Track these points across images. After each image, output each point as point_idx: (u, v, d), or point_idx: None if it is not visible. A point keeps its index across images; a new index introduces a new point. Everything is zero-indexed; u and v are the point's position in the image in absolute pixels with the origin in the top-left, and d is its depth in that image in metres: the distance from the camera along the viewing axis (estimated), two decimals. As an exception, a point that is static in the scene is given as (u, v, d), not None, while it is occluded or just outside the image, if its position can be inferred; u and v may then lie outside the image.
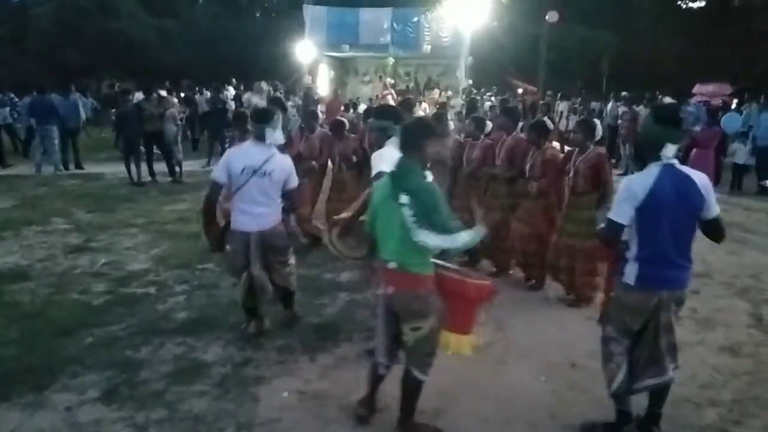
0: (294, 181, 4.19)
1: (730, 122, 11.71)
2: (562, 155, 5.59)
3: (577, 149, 5.22)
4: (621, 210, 2.94)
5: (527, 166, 5.48)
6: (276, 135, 4.02)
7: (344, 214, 3.87)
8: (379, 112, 4.20)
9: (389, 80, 22.76)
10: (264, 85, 15.38)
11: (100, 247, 6.83)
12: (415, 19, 22.61)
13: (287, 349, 4.32)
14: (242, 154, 4.08)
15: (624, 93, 15.68)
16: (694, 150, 9.79)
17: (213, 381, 3.87)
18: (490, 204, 5.77)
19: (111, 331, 4.60)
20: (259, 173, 3.99)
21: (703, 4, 25.24)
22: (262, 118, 4.10)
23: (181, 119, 11.63)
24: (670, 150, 2.89)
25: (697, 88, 18.07)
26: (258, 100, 13.57)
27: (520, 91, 22.66)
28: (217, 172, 4.06)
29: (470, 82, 22.73)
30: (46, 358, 4.12)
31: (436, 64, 25.43)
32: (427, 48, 22.79)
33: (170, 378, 3.88)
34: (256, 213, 4.07)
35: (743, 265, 6.54)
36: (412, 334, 3.02)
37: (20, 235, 7.22)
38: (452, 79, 24.96)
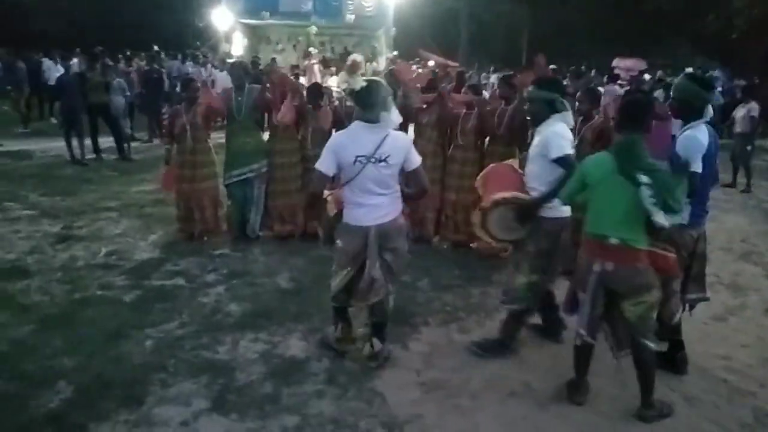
0: (415, 160, 3.49)
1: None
2: None
3: (581, 117, 5.32)
4: (697, 160, 3.29)
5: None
6: (393, 116, 3.54)
7: (504, 194, 3.62)
8: (543, 82, 3.82)
9: (312, 49, 22.07)
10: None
11: (87, 234, 6.10)
12: (339, -13, 22.04)
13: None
14: (352, 142, 3.35)
15: (552, 66, 16.31)
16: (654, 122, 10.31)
17: (321, 378, 3.58)
18: None
19: (167, 330, 4.12)
20: (373, 160, 3.32)
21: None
22: (375, 98, 3.34)
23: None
24: (710, 110, 3.41)
25: (616, 62, 19.03)
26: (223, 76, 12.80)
27: (431, 63, 22.87)
28: (324, 163, 3.35)
29: (396, 53, 22.64)
30: (117, 366, 3.62)
31: (351, 35, 24.95)
32: (350, 18, 22.34)
33: (273, 379, 3.55)
34: (374, 204, 3.43)
35: (729, 230, 7.05)
36: (635, 309, 3.04)
37: (-21, 225, 6.29)
38: (368, 49, 24.76)
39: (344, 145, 3.35)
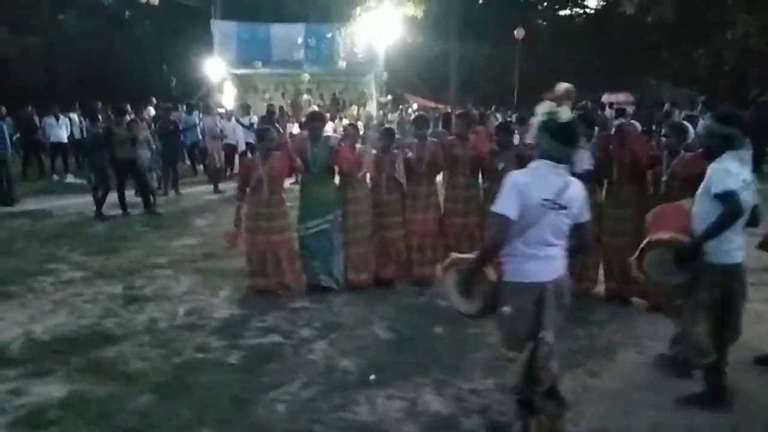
0: (587, 213, 3.12)
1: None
2: None
3: (666, 152, 5.26)
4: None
5: None
6: (586, 157, 3.27)
7: (663, 235, 3.53)
8: (724, 116, 3.66)
9: (306, 96, 22.18)
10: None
11: (152, 294, 5.81)
12: (329, 35, 22.37)
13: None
14: (537, 183, 2.93)
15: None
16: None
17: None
18: None
19: (293, 392, 3.87)
20: (556, 206, 2.93)
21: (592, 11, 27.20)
22: (574, 137, 3.02)
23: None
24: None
25: (606, 97, 19.55)
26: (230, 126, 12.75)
27: (415, 106, 23.13)
28: (507, 205, 2.89)
29: (389, 97, 22.93)
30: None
31: (337, 81, 25.21)
32: (342, 64, 22.61)
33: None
34: (551, 256, 3.00)
35: None
36: None
37: (35, 291, 5.94)
38: (354, 94, 25.05)
39: (529, 185, 2.91)
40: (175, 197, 11.63)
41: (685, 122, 5.72)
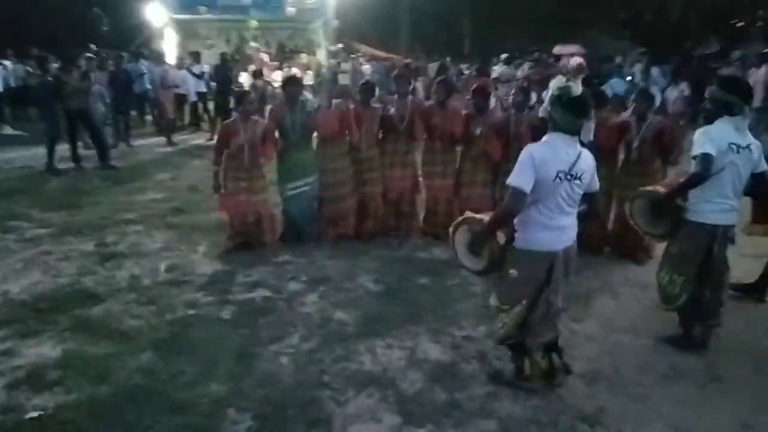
0: (597, 182, 3.27)
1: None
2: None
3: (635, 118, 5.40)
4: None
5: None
6: (591, 128, 3.36)
7: (657, 188, 3.71)
8: (726, 82, 3.83)
9: (253, 44, 21.43)
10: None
11: (128, 251, 5.67)
12: (278, -21, 21.48)
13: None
14: (554, 155, 3.01)
15: (505, 55, 16.79)
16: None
17: (483, 380, 3.53)
18: None
19: (294, 345, 3.93)
20: (569, 177, 3.04)
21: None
22: (585, 110, 3.14)
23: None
24: None
25: (558, 49, 19.66)
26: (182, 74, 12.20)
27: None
28: (522, 178, 2.98)
29: (340, 45, 22.42)
30: (273, 388, 3.43)
31: (284, 28, 24.43)
32: (290, 10, 21.87)
33: (438, 384, 3.47)
34: (563, 225, 3.13)
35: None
36: None
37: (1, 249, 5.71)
38: (301, 42, 24.38)
39: (545, 158, 3.00)
40: (127, 149, 11.20)
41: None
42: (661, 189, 3.85)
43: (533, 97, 6.59)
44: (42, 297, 4.62)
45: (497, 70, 14.43)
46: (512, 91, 6.16)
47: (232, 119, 5.61)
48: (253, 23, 21.28)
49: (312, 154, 5.84)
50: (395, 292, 4.80)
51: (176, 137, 12.09)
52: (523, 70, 14.69)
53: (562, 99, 3.02)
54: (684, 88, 10.18)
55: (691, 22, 20.09)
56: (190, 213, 6.91)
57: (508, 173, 3.13)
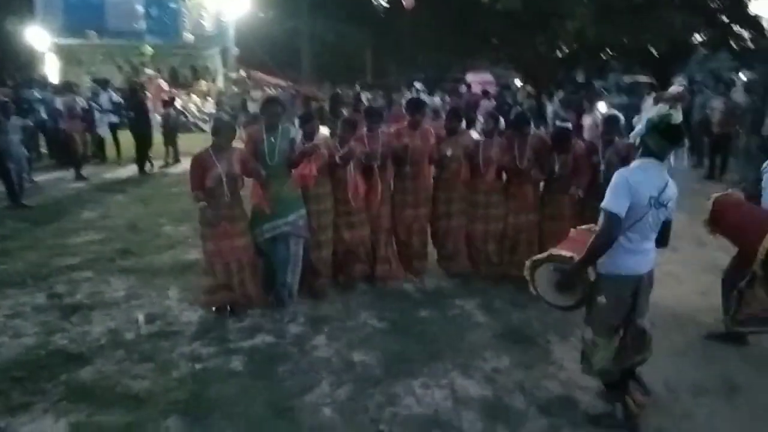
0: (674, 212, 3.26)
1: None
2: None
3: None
4: None
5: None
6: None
7: (561, 252, 3.37)
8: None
9: (149, 71, 20.36)
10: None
11: (89, 301, 5.08)
12: (173, 5, 20.74)
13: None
14: (646, 181, 3.03)
15: (419, 84, 17.26)
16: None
17: (534, 411, 3.53)
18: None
19: (328, 394, 3.69)
20: (659, 203, 3.06)
21: None
22: (681, 137, 3.15)
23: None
24: None
25: (472, 77, 20.38)
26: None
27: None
28: (619, 203, 2.97)
29: (243, 73, 21.85)
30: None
31: (176, 54, 23.59)
32: (189, 37, 21.13)
33: (495, 423, 3.41)
34: (648, 250, 3.17)
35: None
36: None
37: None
38: (193, 69, 23.65)
39: (640, 183, 3.01)
40: (29, 185, 10.11)
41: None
42: (565, 252, 3.32)
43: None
44: (12, 363, 4.01)
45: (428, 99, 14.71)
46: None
47: (204, 149, 4.80)
48: (148, 50, 20.28)
49: (294, 187, 5.03)
50: (404, 328, 4.66)
51: (86, 171, 11.15)
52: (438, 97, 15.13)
53: (661, 125, 3.06)
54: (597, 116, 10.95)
55: (572, 54, 21.82)
56: (141, 255, 6.35)
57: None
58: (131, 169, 11.63)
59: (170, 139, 12.51)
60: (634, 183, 3.01)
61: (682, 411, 3.56)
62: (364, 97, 15.44)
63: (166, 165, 12.30)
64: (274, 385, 3.79)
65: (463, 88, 16.10)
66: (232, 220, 4.78)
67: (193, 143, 13.35)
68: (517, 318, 4.89)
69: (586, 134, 11.10)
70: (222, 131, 4.78)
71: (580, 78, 26.48)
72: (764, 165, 4.30)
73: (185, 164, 11.97)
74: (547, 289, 3.38)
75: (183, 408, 3.48)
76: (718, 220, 4.17)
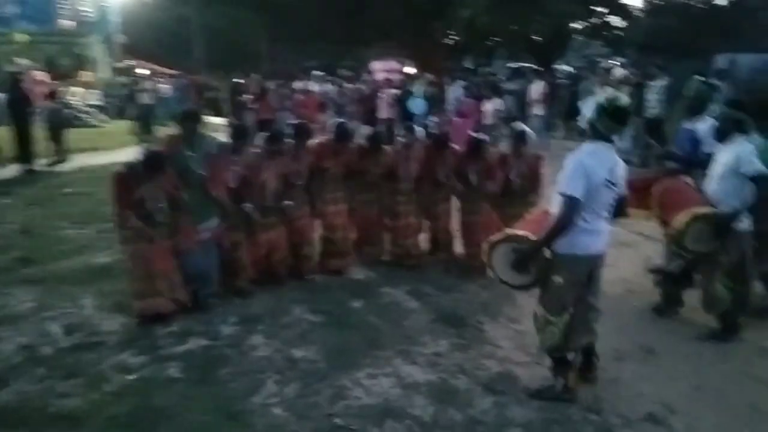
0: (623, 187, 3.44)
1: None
2: None
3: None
4: None
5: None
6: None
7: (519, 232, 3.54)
8: (734, 103, 4.25)
9: (24, 61, 18.67)
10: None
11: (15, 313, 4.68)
12: (48, -11, 19.11)
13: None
14: (599, 163, 3.18)
15: (317, 72, 17.02)
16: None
17: (480, 391, 3.67)
18: None
19: (276, 393, 3.63)
20: (611, 183, 3.22)
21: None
22: (627, 117, 3.34)
23: None
24: None
25: (378, 65, 20.19)
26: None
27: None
28: (577, 187, 3.11)
29: (133, 63, 20.52)
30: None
31: (51, 42, 21.89)
32: (67, 23, 19.61)
33: (442, 406, 3.51)
34: (603, 230, 3.31)
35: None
36: None
37: None
38: (73, 58, 22.09)
39: (594, 166, 3.16)
40: None
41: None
42: (521, 232, 3.48)
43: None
44: None
45: (317, 87, 14.50)
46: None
47: (127, 167, 4.48)
48: (23, 37, 18.55)
49: (207, 193, 4.83)
50: (340, 321, 4.66)
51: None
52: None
53: (610, 108, 3.20)
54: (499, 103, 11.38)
55: (463, 41, 22.46)
56: (43, 262, 5.87)
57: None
58: (12, 169, 10.64)
59: (56, 136, 11.60)
60: (588, 166, 3.16)
61: (609, 376, 3.85)
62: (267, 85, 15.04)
63: (53, 163, 11.40)
64: (218, 390, 3.68)
65: (365, 76, 16.08)
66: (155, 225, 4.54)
67: (78, 139, 12.54)
68: (446, 302, 5.05)
69: (487, 119, 11.60)
70: (152, 165, 4.46)
71: (469, 64, 27.44)
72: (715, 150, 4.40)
73: (74, 162, 11.25)
74: (504, 269, 3.49)
75: (125, 422, 3.30)
76: (661, 203, 4.36)
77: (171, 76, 19.92)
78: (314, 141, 5.64)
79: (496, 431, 3.29)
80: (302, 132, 5.46)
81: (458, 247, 5.93)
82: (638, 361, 4.06)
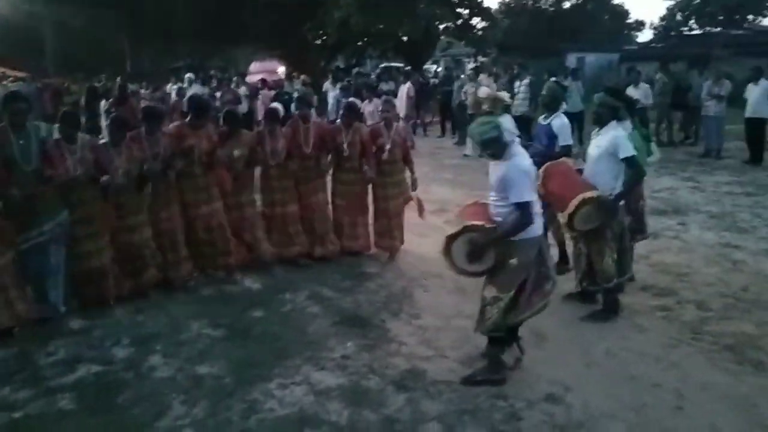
0: None
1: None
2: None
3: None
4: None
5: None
6: None
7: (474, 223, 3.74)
8: (611, 91, 4.65)
9: None
10: None
11: None
12: None
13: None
14: (529, 161, 3.65)
15: (189, 74, 16.37)
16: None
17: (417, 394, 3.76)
18: None
19: (185, 415, 3.48)
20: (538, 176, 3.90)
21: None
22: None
23: None
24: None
25: (256, 66, 19.63)
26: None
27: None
28: (526, 192, 3.52)
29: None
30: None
31: None
32: None
33: (356, 408, 3.55)
34: (539, 213, 3.67)
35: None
36: None
37: None
38: None
39: (527, 165, 3.60)
40: None
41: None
42: (477, 222, 3.69)
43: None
44: None
45: (190, 89, 13.87)
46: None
47: None
48: None
49: (50, 192, 4.56)
50: (242, 332, 4.56)
51: None
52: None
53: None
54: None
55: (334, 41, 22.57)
56: None
57: None
58: None
59: None
60: (527, 169, 3.57)
61: (507, 360, 4.08)
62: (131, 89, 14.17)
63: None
64: (119, 418, 3.46)
65: (236, 79, 15.65)
66: None
67: None
68: (347, 303, 5.09)
69: (368, 119, 11.79)
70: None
71: (340, 64, 27.70)
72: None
73: None
74: (462, 260, 3.70)
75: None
76: (545, 186, 4.55)
77: (17, 78, 18.15)
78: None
79: (412, 428, 3.38)
80: (151, 116, 5.27)
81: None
82: (532, 346, 4.32)
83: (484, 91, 3.97)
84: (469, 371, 3.89)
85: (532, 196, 3.55)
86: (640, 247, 5.59)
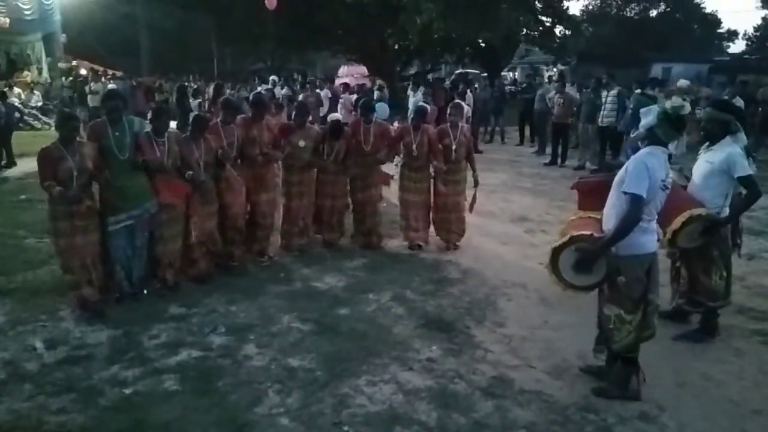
0: None
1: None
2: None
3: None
4: None
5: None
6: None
7: (579, 233, 3.59)
8: (720, 104, 4.48)
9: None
10: None
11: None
12: (-19, -15, 18.19)
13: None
14: (659, 165, 3.37)
15: (274, 77, 16.90)
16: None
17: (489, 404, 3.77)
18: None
19: (280, 404, 3.62)
20: (665, 185, 3.44)
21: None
22: (684, 125, 3.55)
23: None
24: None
25: (345, 71, 20.24)
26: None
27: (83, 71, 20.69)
28: (641, 185, 3.27)
29: (74, 62, 19.74)
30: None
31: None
32: (3, 20, 18.67)
33: (444, 411, 3.59)
34: (654, 228, 3.51)
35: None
36: None
37: None
38: (8, 57, 21.18)
39: (655, 168, 3.34)
40: None
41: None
42: (585, 231, 3.55)
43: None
44: None
45: (278, 91, 14.32)
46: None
47: (52, 143, 4.63)
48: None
49: (142, 179, 4.98)
50: (331, 328, 4.68)
51: None
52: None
53: (673, 116, 3.41)
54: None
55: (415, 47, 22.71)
56: (9, 274, 5.64)
57: None
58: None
59: (3, 139, 11.09)
60: (651, 167, 3.32)
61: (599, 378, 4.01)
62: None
63: (1, 168, 10.90)
64: (220, 402, 3.64)
65: (318, 82, 16.04)
66: (85, 217, 4.72)
67: (24, 142, 11.97)
68: (431, 307, 5.13)
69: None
70: (66, 124, 4.72)
71: (416, 69, 27.82)
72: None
73: (22, 167, 10.76)
74: (570, 272, 3.55)
75: (126, 435, 3.23)
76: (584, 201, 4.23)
77: (115, 77, 19.30)
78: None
79: (501, 434, 3.39)
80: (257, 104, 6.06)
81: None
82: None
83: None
84: (558, 382, 3.87)
85: (643, 191, 3.28)
86: (735, 269, 5.34)
